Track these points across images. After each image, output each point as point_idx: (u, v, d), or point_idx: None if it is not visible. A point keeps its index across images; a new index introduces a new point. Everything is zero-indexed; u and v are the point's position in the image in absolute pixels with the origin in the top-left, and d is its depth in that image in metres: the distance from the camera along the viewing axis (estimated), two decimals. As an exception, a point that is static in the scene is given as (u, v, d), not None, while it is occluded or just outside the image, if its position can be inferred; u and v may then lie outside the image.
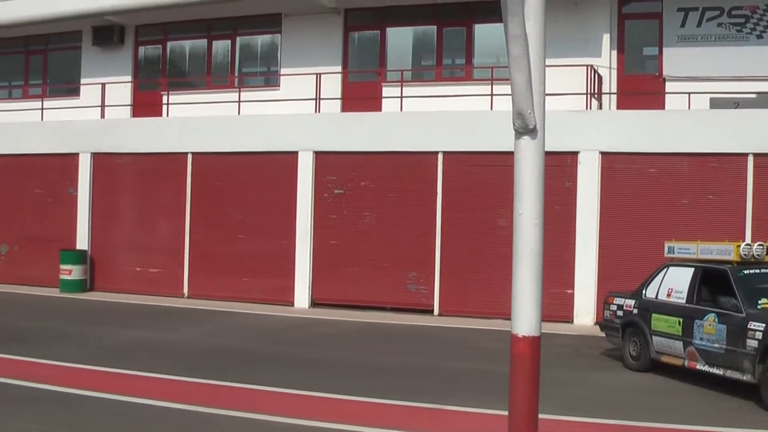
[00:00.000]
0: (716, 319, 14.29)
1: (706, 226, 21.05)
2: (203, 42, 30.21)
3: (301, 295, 25.66)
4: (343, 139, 25.46)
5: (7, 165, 30.48)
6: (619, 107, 24.81)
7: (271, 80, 29.36)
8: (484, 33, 26.44)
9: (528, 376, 7.16)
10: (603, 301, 18.36)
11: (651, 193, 22.49)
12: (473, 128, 24.04)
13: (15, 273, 29.99)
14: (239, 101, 27.73)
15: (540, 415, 7.51)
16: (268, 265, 26.11)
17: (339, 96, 27.46)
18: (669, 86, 24.41)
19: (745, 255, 14.93)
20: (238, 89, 28.41)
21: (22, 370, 14.81)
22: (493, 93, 24.33)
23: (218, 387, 13.98)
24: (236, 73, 29.69)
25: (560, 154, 21.80)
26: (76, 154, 29.15)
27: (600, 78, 24.76)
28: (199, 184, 27.35)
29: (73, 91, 31.80)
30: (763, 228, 21.19)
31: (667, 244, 16.89)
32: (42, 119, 30.76)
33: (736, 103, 22.61)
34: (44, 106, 30.86)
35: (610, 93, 24.98)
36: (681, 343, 15.03)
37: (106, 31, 30.68)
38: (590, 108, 24.09)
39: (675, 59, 24.46)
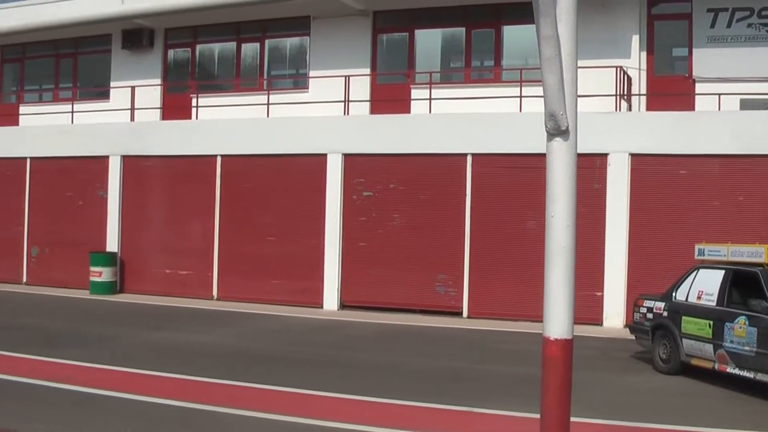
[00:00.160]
0: (747, 322, 14.19)
1: (737, 228, 20.90)
2: (232, 45, 30.30)
3: (330, 297, 25.69)
4: (371, 141, 25.47)
5: (38, 168, 30.71)
6: (648, 108, 24.69)
7: (299, 83, 29.42)
8: (513, 35, 26.38)
9: (560, 379, 7.11)
10: (633, 303, 18.30)
11: (681, 195, 22.38)
12: (502, 130, 24.00)
13: (46, 275, 30.23)
14: (268, 104, 27.80)
15: (571, 418, 7.48)
16: (297, 267, 26.15)
17: (368, 98, 27.45)
18: (699, 87, 24.26)
19: (775, 257, 14.85)
20: (267, 92, 28.47)
21: (53, 372, 14.88)
22: (522, 95, 24.31)
23: (247, 389, 14.01)
24: (265, 76, 29.75)
25: (589, 156, 21.70)
26: (106, 157, 29.33)
27: (629, 79, 24.66)
28: (229, 187, 27.43)
29: (103, 94, 32.00)
30: (794, 230, 21.06)
31: (697, 246, 16.78)
32: (72, 122, 30.95)
33: (767, 104, 22.49)
34: (74, 110, 31.04)
35: (639, 94, 24.87)
36: (711, 345, 14.93)
37: (136, 35, 30.82)
38: (620, 109, 23.99)
39: (705, 60, 24.32)
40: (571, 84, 6.94)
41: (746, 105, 22.87)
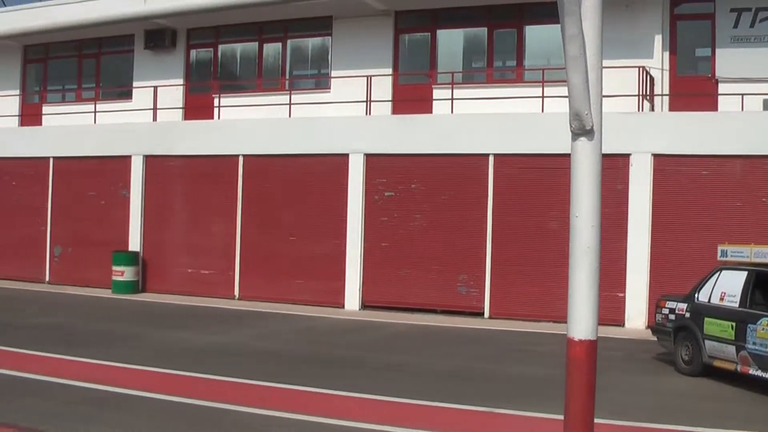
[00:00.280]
0: (770, 324, 14.15)
1: (760, 229, 20.83)
2: (254, 45, 30.34)
3: (352, 298, 25.71)
4: (393, 142, 25.48)
5: (61, 168, 30.87)
6: (671, 109, 24.59)
7: (321, 83, 29.44)
8: (535, 35, 26.33)
9: (584, 381, 7.09)
10: (655, 304, 18.23)
11: (704, 196, 22.30)
12: (524, 130, 23.97)
13: (68, 274, 30.41)
14: (290, 104, 27.84)
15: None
16: (319, 267, 26.19)
17: (389, 98, 27.45)
18: (722, 87, 24.12)
19: (800, 258, 14.79)
20: (289, 92, 28.50)
21: (76, 371, 14.95)
22: (544, 95, 24.25)
23: (269, 388, 14.05)
24: (287, 76, 29.79)
25: (612, 157, 21.61)
26: (129, 157, 29.45)
27: (652, 79, 24.57)
28: (250, 187, 27.50)
29: (126, 94, 32.10)
30: (818, 231, 20.96)
31: (720, 248, 16.71)
32: (95, 122, 31.09)
33: (791, 105, 22.44)
34: (97, 110, 31.19)
35: (662, 94, 24.78)
36: (734, 347, 14.86)
37: (158, 35, 30.92)
38: (642, 110, 23.91)
39: (728, 60, 24.20)
40: (596, 83, 6.93)
41: (769, 105, 22.82)
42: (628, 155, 22.69)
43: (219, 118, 29.29)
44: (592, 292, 7.04)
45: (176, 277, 28.55)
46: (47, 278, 31.01)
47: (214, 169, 28.03)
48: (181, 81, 31.05)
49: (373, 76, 26.96)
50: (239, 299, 27.22)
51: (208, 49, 31.24)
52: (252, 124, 27.78)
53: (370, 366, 16.60)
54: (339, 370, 15.96)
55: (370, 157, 25.76)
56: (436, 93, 26.86)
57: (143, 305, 26.00)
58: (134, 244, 29.20)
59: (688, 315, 16.37)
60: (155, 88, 30.13)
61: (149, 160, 29.19)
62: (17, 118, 33.99)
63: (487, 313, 24.22)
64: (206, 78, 31.21)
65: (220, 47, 31.02)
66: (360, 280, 25.66)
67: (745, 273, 15.45)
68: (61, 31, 31.01)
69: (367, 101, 26.91)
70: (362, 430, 11.41)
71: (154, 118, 30.18)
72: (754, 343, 14.37)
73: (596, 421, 7.56)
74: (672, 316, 16.87)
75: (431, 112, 26.62)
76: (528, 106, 24.70)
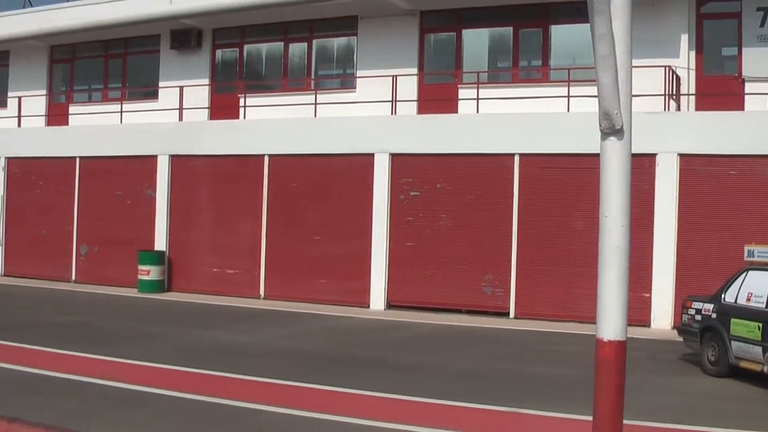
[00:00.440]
0: (797, 325, 14.07)
1: (788, 229, 20.76)
2: (280, 45, 30.38)
3: (377, 297, 25.72)
4: (419, 141, 25.47)
5: (88, 167, 31.02)
6: (697, 108, 24.45)
7: (347, 82, 29.45)
8: (561, 34, 26.26)
9: (613, 382, 7.04)
10: (681, 305, 18.15)
11: (730, 196, 22.18)
12: (550, 130, 23.91)
13: (94, 273, 30.55)
14: (315, 103, 27.86)
15: (621, 421, 7.46)
16: (344, 266, 26.23)
17: (415, 98, 27.42)
18: (748, 87, 24.00)
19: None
20: (314, 92, 28.52)
21: (102, 369, 14.99)
22: (570, 95, 24.21)
23: (294, 388, 14.04)
24: (312, 76, 29.81)
25: (638, 156, 21.35)
26: (155, 156, 29.57)
27: (678, 79, 24.46)
28: (276, 186, 27.55)
29: (152, 94, 32.22)
30: None
31: (746, 248, 16.61)
32: (121, 122, 31.22)
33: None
34: (123, 109, 31.30)
35: (688, 94, 24.64)
36: (760, 348, 14.76)
37: (184, 35, 31.01)
38: (668, 109, 23.82)
39: (754, 59, 24.05)
40: (625, 82, 6.89)
41: (796, 104, 22.70)
42: (654, 155, 22.60)
43: (244, 117, 29.36)
44: (621, 293, 7.00)
45: (202, 277, 28.64)
46: (73, 277, 31.17)
47: (240, 168, 28.10)
48: (206, 81, 31.12)
49: (399, 75, 26.95)
50: (265, 299, 27.27)
51: (234, 49, 31.31)
52: (277, 124, 27.83)
53: (395, 366, 16.59)
54: (364, 370, 15.96)
55: (395, 157, 25.76)
56: (462, 93, 26.84)
57: (169, 304, 26.09)
58: (160, 243, 29.32)
59: (714, 316, 16.28)
60: (181, 88, 30.23)
61: (175, 159, 29.29)
62: (44, 118, 34.15)
63: (512, 313, 24.17)
64: (232, 78, 31.28)
65: (246, 47, 31.08)
66: (385, 279, 25.67)
67: (772, 273, 15.39)
68: (88, 31, 31.25)
69: (392, 101, 26.90)
70: (387, 430, 11.39)
71: (180, 118, 30.28)
72: (781, 344, 14.31)
73: (624, 422, 7.53)
74: (698, 317, 16.78)
75: (457, 111, 26.59)
76: (553, 106, 24.66)
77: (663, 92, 23.64)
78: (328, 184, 26.72)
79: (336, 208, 26.53)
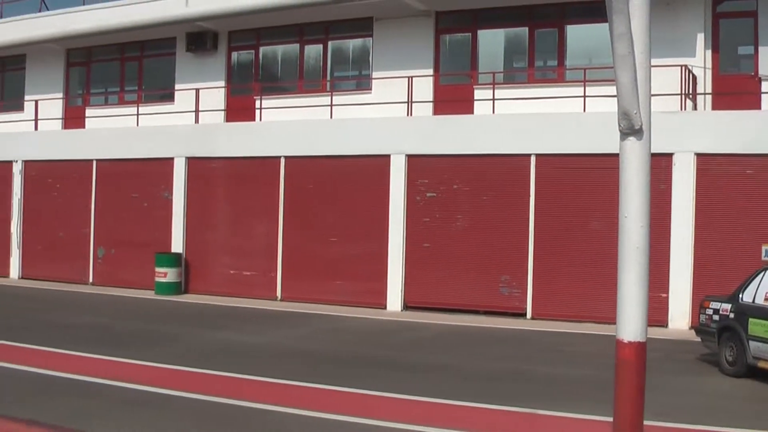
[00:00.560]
0: (816, 324, 14.01)
1: (806, 229, 20.68)
2: (295, 47, 30.41)
3: (394, 298, 25.70)
4: (435, 142, 25.45)
5: (104, 170, 31.10)
6: (714, 108, 24.38)
7: (362, 84, 29.46)
8: (577, 34, 26.20)
9: (634, 383, 7.02)
10: (698, 305, 18.09)
11: (748, 195, 22.08)
12: (566, 130, 23.86)
13: (111, 276, 30.62)
14: (331, 105, 27.88)
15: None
16: (361, 268, 26.22)
17: (431, 99, 27.42)
18: (765, 86, 23.89)
19: None
20: (330, 93, 28.54)
21: (119, 371, 15.04)
22: (586, 95, 24.15)
23: (311, 389, 14.07)
24: (328, 77, 29.84)
25: (655, 156, 21.19)
26: (171, 159, 29.63)
27: (694, 78, 24.39)
28: (292, 188, 27.56)
29: (168, 96, 32.28)
30: None
31: (764, 247, 16.63)
32: (137, 125, 31.28)
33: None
34: (140, 112, 31.36)
35: (704, 93, 24.57)
36: (779, 348, 14.76)
37: (200, 37, 31.08)
38: (685, 109, 23.74)
39: (771, 58, 24.02)
40: (644, 82, 6.86)
41: (813, 103, 22.61)
42: (671, 155, 22.52)
43: (260, 119, 29.41)
44: (641, 293, 6.97)
45: (218, 279, 28.68)
46: (90, 280, 31.24)
47: (256, 170, 28.12)
48: (222, 83, 31.19)
49: (414, 76, 26.94)
50: (281, 300, 27.28)
51: (249, 51, 31.36)
52: (293, 126, 27.86)
53: (412, 367, 16.58)
54: (381, 371, 15.97)
55: (411, 158, 25.74)
56: (478, 93, 26.81)
57: (186, 306, 26.14)
58: (177, 245, 29.36)
59: (732, 315, 16.21)
60: (197, 90, 30.30)
61: (191, 161, 29.34)
62: (61, 121, 34.27)
63: (529, 314, 24.13)
64: (247, 80, 31.32)
65: (261, 49, 31.13)
66: (402, 281, 25.65)
67: (791, 273, 15.34)
68: (104, 34, 31.41)
69: (408, 102, 26.90)
70: (396, 430, 11.41)
71: (196, 121, 30.37)
72: (800, 344, 14.25)
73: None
74: (716, 317, 16.72)
75: (472, 112, 26.57)
76: (570, 106, 24.61)
77: (679, 92, 23.55)
78: (345, 185, 26.72)
79: (352, 210, 26.53)
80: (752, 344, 15.40)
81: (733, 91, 24.16)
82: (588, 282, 23.17)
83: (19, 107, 35.29)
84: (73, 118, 33.96)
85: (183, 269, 29.00)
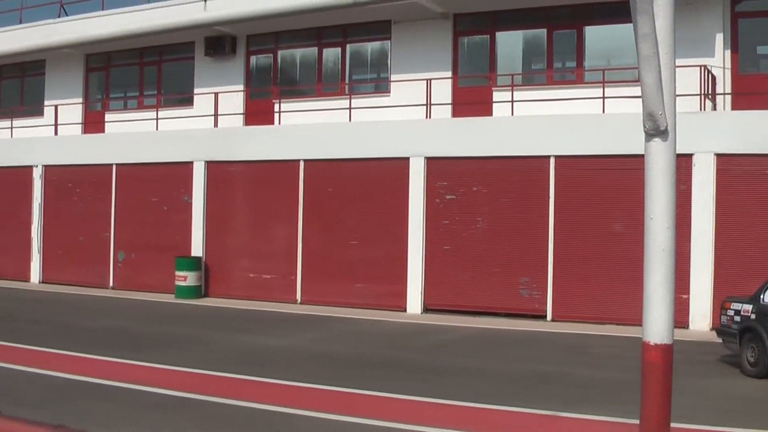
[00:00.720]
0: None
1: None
2: (314, 50, 30.47)
3: (414, 301, 25.69)
4: (454, 145, 25.43)
5: (124, 174, 31.21)
6: (733, 108, 24.29)
7: (381, 87, 29.48)
8: (595, 35, 26.15)
9: (661, 385, 6.99)
10: (719, 306, 18.02)
11: (768, 195, 22.04)
12: (585, 132, 23.82)
13: (132, 279, 30.72)
14: (350, 108, 27.89)
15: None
16: (381, 270, 26.22)
17: (449, 101, 27.41)
18: (784, 85, 23.89)
19: None
20: (348, 96, 28.56)
21: (141, 375, 15.11)
22: (605, 96, 24.10)
23: (332, 393, 14.12)
24: (347, 81, 29.88)
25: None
26: (191, 163, 29.70)
27: (714, 78, 24.31)
28: (312, 191, 27.59)
29: (187, 100, 32.39)
30: None
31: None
32: (157, 129, 31.40)
33: None
34: (159, 116, 31.47)
35: (724, 93, 24.49)
36: (801, 349, 14.69)
37: (218, 42, 31.18)
38: (704, 109, 23.67)
39: (791, 58, 23.95)
40: (669, 83, 6.83)
41: (833, 102, 22.51)
42: (690, 155, 22.41)
43: (279, 123, 29.48)
44: (667, 295, 6.95)
45: (238, 282, 28.73)
46: (111, 283, 31.35)
47: (276, 174, 28.16)
48: (241, 87, 31.26)
49: (433, 79, 26.95)
50: (301, 303, 27.30)
51: (268, 55, 31.42)
52: (312, 129, 27.90)
53: (434, 369, 16.57)
54: (402, 374, 15.98)
55: (430, 161, 25.74)
56: (496, 95, 26.80)
57: (206, 310, 26.22)
58: (197, 249, 29.43)
59: (753, 316, 16.12)
60: (216, 94, 30.36)
61: (211, 165, 29.41)
62: (80, 126, 34.39)
63: (549, 316, 24.08)
64: (266, 84, 31.40)
65: (280, 53, 31.20)
66: (422, 283, 25.64)
67: (814, 273, 15.27)
68: (123, 39, 31.56)
69: (427, 104, 26.90)
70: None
71: (215, 124, 30.43)
72: (822, 345, 14.18)
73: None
74: (737, 318, 16.63)
75: (491, 114, 26.55)
76: (588, 108, 24.56)
77: (699, 92, 23.47)
78: (364, 188, 26.73)
79: (372, 213, 26.54)
80: (774, 345, 15.35)
81: (752, 91, 24.05)
82: (608, 283, 23.11)
83: (39, 112, 35.48)
84: (92, 123, 34.08)
85: (203, 273, 29.07)
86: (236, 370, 15.75)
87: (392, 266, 26.00)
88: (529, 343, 20.54)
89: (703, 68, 23.60)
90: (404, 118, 27.01)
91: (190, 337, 20.44)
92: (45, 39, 33.61)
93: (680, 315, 22.06)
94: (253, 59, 31.68)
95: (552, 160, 24.28)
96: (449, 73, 27.63)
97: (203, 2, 30.23)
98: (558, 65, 27.33)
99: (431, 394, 13.85)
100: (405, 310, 25.66)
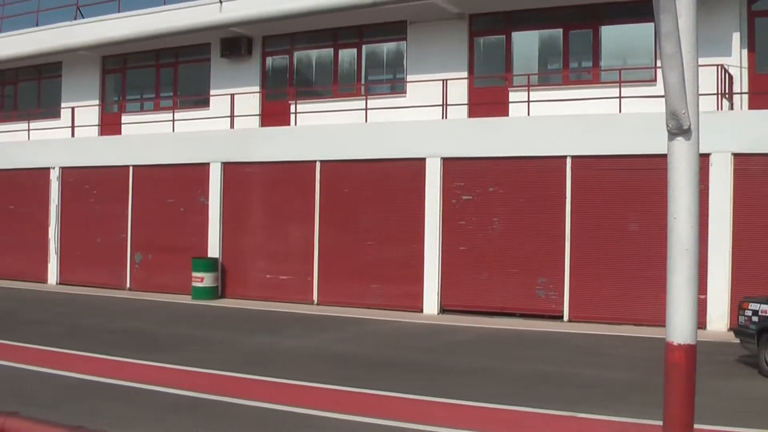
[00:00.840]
0: None
1: None
2: (329, 51, 30.50)
3: (430, 302, 25.68)
4: (470, 145, 25.42)
5: (141, 176, 31.30)
6: (750, 107, 24.19)
7: (397, 87, 29.48)
8: (611, 35, 26.10)
9: (684, 386, 6.95)
10: (737, 306, 17.94)
11: (786, 195, 21.97)
12: (602, 132, 23.77)
13: (148, 281, 30.79)
14: (366, 109, 27.93)
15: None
16: (397, 271, 26.22)
17: (465, 101, 27.40)
18: (803, 85, 23.82)
19: None
20: (364, 97, 28.59)
21: (159, 376, 15.16)
22: (622, 95, 24.05)
23: (349, 393, 14.14)
24: (362, 81, 29.89)
25: (692, 157, 21.33)
26: (207, 164, 29.75)
27: (731, 77, 24.23)
28: (328, 192, 27.61)
29: (203, 102, 32.47)
30: None
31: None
32: (173, 130, 31.47)
33: None
34: (175, 118, 31.56)
35: (741, 93, 24.42)
36: (820, 349, 14.63)
37: (234, 43, 31.23)
38: (721, 108, 23.61)
39: (808, 56, 23.86)
40: (692, 82, 6.78)
41: None
42: (707, 155, 22.29)
43: (295, 124, 29.52)
44: (691, 295, 6.91)
45: (255, 283, 28.78)
46: (128, 285, 31.44)
47: (292, 174, 28.20)
48: (257, 88, 31.32)
49: (449, 79, 26.95)
50: (318, 304, 27.34)
51: (284, 56, 31.47)
52: (328, 130, 27.93)
53: (449, 370, 16.56)
54: (419, 374, 15.99)
55: (447, 161, 25.72)
56: (512, 95, 26.79)
57: (223, 311, 26.27)
58: (213, 250, 29.48)
59: (772, 316, 16.12)
60: (232, 95, 30.44)
61: (227, 166, 29.46)
62: (97, 127, 34.50)
63: (566, 317, 24.03)
64: (282, 85, 31.44)
65: (296, 54, 31.24)
66: (438, 284, 25.63)
67: (833, 273, 15.22)
68: (139, 41, 31.65)
69: (443, 105, 26.90)
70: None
71: (232, 126, 30.50)
72: (842, 345, 14.12)
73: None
74: (755, 318, 16.56)
75: (507, 114, 26.54)
76: (605, 107, 24.52)
77: (716, 91, 23.41)
78: (380, 189, 26.74)
79: (388, 213, 26.55)
80: (792, 346, 15.30)
81: (769, 90, 24.02)
82: (625, 284, 23.06)
83: (56, 114, 35.66)
84: (109, 125, 34.21)
85: (219, 274, 29.12)
86: (250, 370, 15.79)
87: (409, 267, 26.00)
88: (547, 344, 20.48)
89: (720, 67, 23.52)
90: (420, 118, 27.02)
91: (205, 338, 20.49)
92: (61, 41, 33.75)
93: (698, 315, 21.95)
94: (268, 60, 31.73)
95: (568, 160, 24.24)
96: (465, 74, 27.62)
97: (219, 4, 30.32)
98: (574, 65, 27.30)
99: (451, 394, 13.83)
100: (422, 311, 25.65)
